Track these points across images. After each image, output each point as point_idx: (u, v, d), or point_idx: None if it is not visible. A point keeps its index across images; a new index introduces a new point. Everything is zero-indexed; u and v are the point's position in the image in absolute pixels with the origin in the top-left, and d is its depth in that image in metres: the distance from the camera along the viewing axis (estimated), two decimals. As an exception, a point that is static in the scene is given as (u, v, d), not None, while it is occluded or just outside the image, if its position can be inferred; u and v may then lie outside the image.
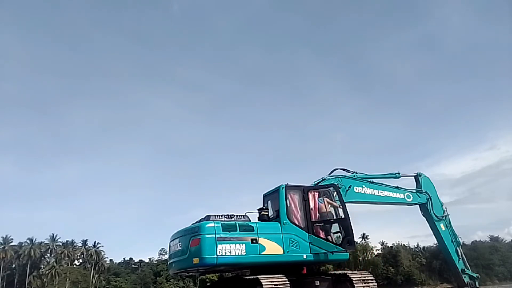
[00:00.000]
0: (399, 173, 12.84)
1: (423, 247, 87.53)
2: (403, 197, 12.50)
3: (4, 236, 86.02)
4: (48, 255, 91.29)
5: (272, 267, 8.60)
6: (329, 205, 9.67)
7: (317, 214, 9.49)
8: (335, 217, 9.54)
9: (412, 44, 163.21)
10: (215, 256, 8.04)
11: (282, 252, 8.66)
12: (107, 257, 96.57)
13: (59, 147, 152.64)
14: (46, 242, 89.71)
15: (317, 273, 9.90)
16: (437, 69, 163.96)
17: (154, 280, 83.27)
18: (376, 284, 9.13)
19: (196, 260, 8.20)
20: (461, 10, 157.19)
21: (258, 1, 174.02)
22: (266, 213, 9.45)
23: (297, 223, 9.13)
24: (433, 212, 12.81)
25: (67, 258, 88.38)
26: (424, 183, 13.12)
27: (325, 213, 9.62)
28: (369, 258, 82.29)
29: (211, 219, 8.50)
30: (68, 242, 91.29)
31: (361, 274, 9.12)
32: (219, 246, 8.10)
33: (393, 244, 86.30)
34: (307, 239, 9.01)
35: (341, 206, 9.52)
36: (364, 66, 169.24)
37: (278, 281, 7.95)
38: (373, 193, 11.87)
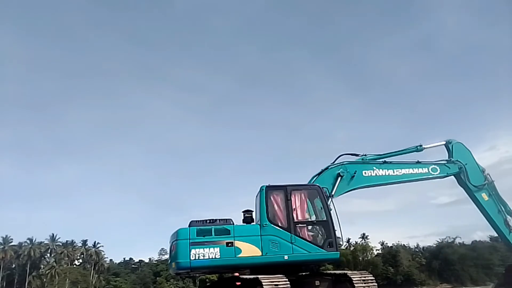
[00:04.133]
0: (421, 146, 11.54)
1: (423, 247, 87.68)
2: (426, 172, 11.28)
3: (4, 236, 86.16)
4: (48, 255, 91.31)
5: (251, 268, 8.83)
6: (319, 205, 9.54)
7: (303, 214, 9.37)
8: (323, 218, 9.41)
9: (410, 45, 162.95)
10: (189, 260, 8.47)
11: (260, 254, 8.69)
12: (107, 257, 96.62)
13: (58, 147, 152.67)
14: (46, 242, 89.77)
15: (317, 273, 9.88)
16: (435, 69, 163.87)
17: (154, 280, 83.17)
18: (376, 284, 9.09)
19: (173, 264, 8.80)
20: (458, 11, 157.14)
21: (256, 2, 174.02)
22: (250, 215, 9.45)
23: (279, 223, 9.06)
24: (469, 181, 11.42)
25: (67, 258, 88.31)
26: (455, 151, 11.68)
27: (311, 214, 9.53)
28: (369, 258, 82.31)
29: (192, 224, 8.87)
30: (68, 242, 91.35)
31: (361, 274, 9.08)
32: (193, 251, 8.50)
33: (393, 244, 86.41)
34: (289, 240, 8.91)
35: (322, 208, 9.40)
36: (362, 67, 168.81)
37: (279, 281, 7.94)
38: (387, 174, 10.95)
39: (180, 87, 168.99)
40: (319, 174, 10.70)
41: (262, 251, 8.72)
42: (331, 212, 9.61)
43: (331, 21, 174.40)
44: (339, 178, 10.50)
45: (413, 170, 11.15)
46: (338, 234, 9.51)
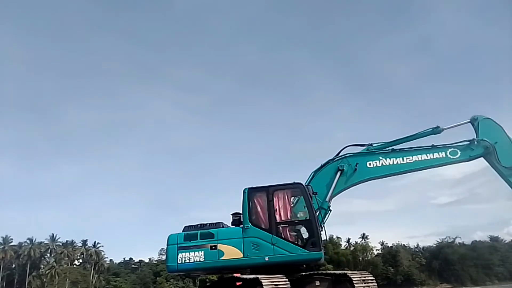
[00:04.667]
0: (438, 127, 10.31)
1: (423, 247, 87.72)
2: (444, 156, 10.02)
3: (4, 236, 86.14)
4: (48, 255, 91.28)
5: (233, 270, 9.10)
6: (302, 204, 9.33)
7: (286, 214, 9.20)
8: (307, 217, 9.18)
9: (410, 45, 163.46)
10: (176, 263, 9.08)
11: (242, 256, 8.82)
12: (107, 257, 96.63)
13: (58, 148, 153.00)
14: (46, 242, 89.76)
15: (317, 273, 9.87)
16: (435, 69, 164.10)
17: (154, 280, 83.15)
18: (376, 284, 9.07)
19: (167, 267, 9.62)
20: (457, 12, 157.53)
21: (256, 2, 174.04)
22: (238, 217, 9.45)
23: (262, 225, 9.03)
24: (499, 163, 9.88)
25: (67, 258, 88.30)
26: (482, 128, 10.14)
27: (295, 213, 9.37)
28: (369, 258, 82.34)
29: (185, 230, 9.41)
30: (68, 242, 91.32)
31: (361, 274, 9.06)
32: (180, 255, 9.08)
33: (393, 244, 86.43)
34: (270, 241, 8.86)
35: (306, 207, 9.17)
36: (362, 67, 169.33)
37: (279, 281, 7.95)
38: (395, 163, 9.99)
39: (180, 87, 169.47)
40: (319, 169, 10.35)
41: (243, 253, 8.82)
42: (318, 211, 9.49)
43: (331, 21, 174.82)
44: (339, 173, 10.05)
45: (427, 156, 10.01)
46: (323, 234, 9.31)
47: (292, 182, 9.45)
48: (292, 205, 9.45)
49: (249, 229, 8.97)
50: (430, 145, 10.10)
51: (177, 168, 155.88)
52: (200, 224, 9.47)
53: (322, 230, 9.64)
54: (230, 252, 8.88)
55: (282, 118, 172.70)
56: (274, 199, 9.19)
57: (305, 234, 9.20)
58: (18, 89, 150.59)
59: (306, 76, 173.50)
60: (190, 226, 9.49)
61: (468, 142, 10.10)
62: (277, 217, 9.07)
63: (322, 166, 10.34)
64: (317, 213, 9.72)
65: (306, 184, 10.16)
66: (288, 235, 9.03)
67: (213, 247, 8.96)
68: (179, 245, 9.17)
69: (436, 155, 10.04)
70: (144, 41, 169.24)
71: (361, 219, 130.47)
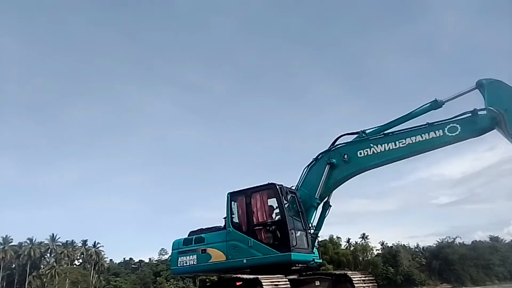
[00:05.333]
0: (436, 100, 8.89)
1: (423, 247, 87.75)
2: (441, 135, 8.49)
3: (4, 236, 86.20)
4: (48, 255, 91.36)
5: (219, 272, 9.50)
6: (275, 205, 9.22)
7: (263, 216, 9.17)
8: (279, 217, 9.02)
9: (411, 45, 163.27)
10: (177, 267, 9.89)
11: (225, 259, 9.12)
12: (107, 257, 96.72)
13: (58, 148, 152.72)
14: (46, 242, 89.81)
15: (317, 273, 9.89)
16: (435, 69, 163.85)
17: (154, 280, 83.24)
18: (376, 284, 9.13)
19: (171, 270, 10.60)
20: (457, 11, 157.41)
21: (256, 1, 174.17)
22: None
23: (242, 228, 9.16)
24: (509, 134, 8.07)
25: (67, 258, 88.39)
26: (489, 93, 8.38)
27: (271, 215, 9.33)
28: (369, 258, 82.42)
29: (189, 235, 10.06)
30: (68, 242, 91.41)
31: (361, 274, 9.12)
32: (179, 259, 9.86)
33: (393, 244, 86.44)
34: (247, 243, 8.92)
35: (277, 207, 9.06)
36: (363, 65, 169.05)
37: (278, 281, 7.98)
38: (387, 149, 8.85)
39: (180, 87, 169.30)
40: (311, 164, 9.96)
41: (226, 256, 9.13)
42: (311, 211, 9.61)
43: (331, 20, 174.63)
44: (328, 167, 9.43)
45: (422, 137, 8.58)
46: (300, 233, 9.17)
47: (267, 183, 9.24)
48: (267, 207, 9.30)
49: (231, 232, 9.19)
50: (425, 123, 8.67)
51: (177, 168, 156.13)
52: (200, 229, 10.02)
53: (312, 230, 9.62)
54: (216, 255, 9.27)
55: (282, 117, 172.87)
56: (252, 201, 9.26)
57: (276, 235, 8.99)
58: (19, 89, 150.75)
59: (306, 75, 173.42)
60: (193, 231, 10.06)
61: (470, 114, 8.35)
62: (254, 219, 9.15)
63: (312, 162, 9.94)
64: (310, 212, 9.70)
65: (302, 182, 10.12)
66: (263, 237, 9.01)
67: (204, 251, 9.48)
68: (179, 250, 9.90)
69: (432, 134, 8.55)
70: (145, 41, 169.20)
71: (361, 219, 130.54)
